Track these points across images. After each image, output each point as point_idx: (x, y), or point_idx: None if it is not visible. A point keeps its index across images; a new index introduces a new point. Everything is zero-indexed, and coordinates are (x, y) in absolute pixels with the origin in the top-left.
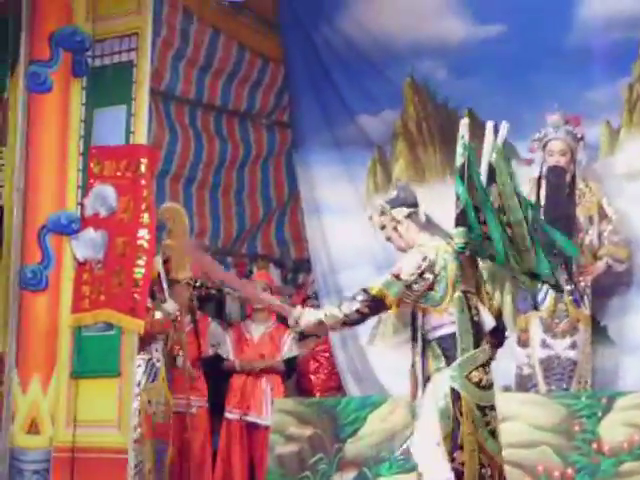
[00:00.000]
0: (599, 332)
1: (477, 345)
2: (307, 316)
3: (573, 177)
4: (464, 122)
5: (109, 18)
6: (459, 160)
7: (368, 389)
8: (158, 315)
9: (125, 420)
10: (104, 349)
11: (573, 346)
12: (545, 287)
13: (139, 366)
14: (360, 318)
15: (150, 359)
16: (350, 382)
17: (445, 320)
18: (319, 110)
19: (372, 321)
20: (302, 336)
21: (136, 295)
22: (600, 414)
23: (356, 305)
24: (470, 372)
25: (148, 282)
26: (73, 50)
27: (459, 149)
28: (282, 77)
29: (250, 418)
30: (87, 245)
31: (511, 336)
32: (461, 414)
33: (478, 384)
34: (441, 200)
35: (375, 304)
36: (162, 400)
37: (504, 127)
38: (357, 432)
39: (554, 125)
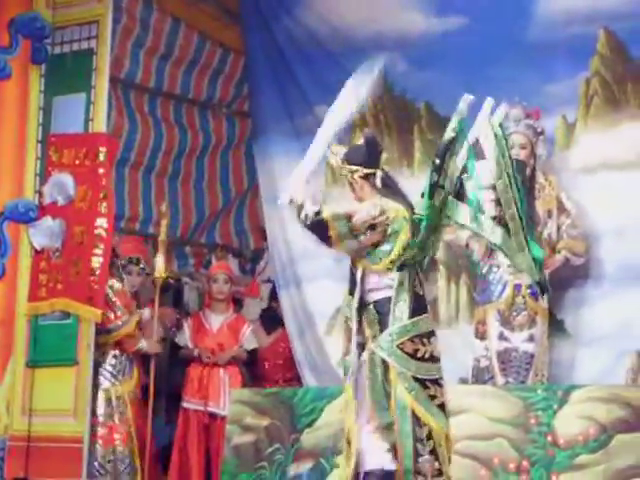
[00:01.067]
0: (556, 325)
1: (413, 316)
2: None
3: (533, 171)
4: (465, 98)
5: (69, 5)
6: (448, 134)
7: (325, 380)
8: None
9: (81, 409)
10: (61, 338)
11: (530, 339)
12: (504, 279)
13: (114, 357)
14: (305, 225)
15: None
16: (307, 373)
17: (382, 284)
18: (279, 100)
19: (330, 312)
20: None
21: (93, 284)
22: (556, 407)
23: (309, 214)
24: (402, 342)
25: (105, 271)
26: (33, 37)
27: (453, 123)
28: (242, 67)
29: (208, 408)
30: (45, 233)
31: (468, 328)
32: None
33: (413, 355)
34: None
35: (319, 226)
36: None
37: (501, 109)
38: (314, 423)
39: (515, 119)
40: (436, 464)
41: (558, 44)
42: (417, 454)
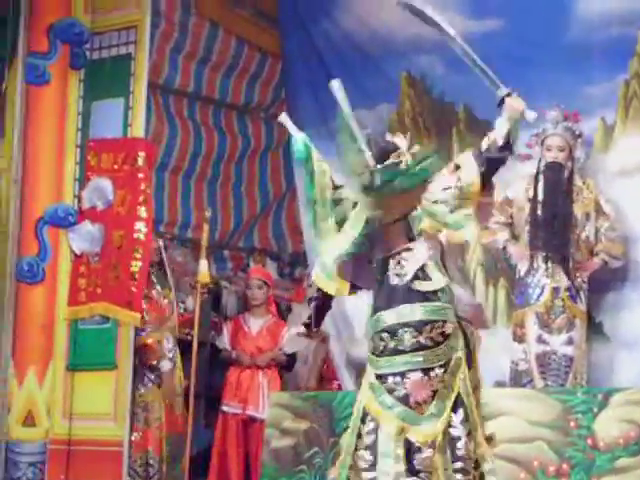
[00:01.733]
0: (595, 328)
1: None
2: None
3: (571, 173)
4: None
5: (107, 11)
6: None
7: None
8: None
9: (121, 413)
10: (100, 342)
11: (569, 342)
12: (542, 282)
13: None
14: None
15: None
16: (346, 376)
17: None
18: (316, 104)
19: (367, 314)
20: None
21: (133, 288)
22: (596, 410)
23: None
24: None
25: (145, 275)
26: (71, 42)
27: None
28: (280, 71)
29: (247, 412)
30: (84, 238)
31: (506, 332)
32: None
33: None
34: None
35: None
36: (179, 391)
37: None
38: None
39: (553, 121)
40: None
41: (596, 46)
42: None
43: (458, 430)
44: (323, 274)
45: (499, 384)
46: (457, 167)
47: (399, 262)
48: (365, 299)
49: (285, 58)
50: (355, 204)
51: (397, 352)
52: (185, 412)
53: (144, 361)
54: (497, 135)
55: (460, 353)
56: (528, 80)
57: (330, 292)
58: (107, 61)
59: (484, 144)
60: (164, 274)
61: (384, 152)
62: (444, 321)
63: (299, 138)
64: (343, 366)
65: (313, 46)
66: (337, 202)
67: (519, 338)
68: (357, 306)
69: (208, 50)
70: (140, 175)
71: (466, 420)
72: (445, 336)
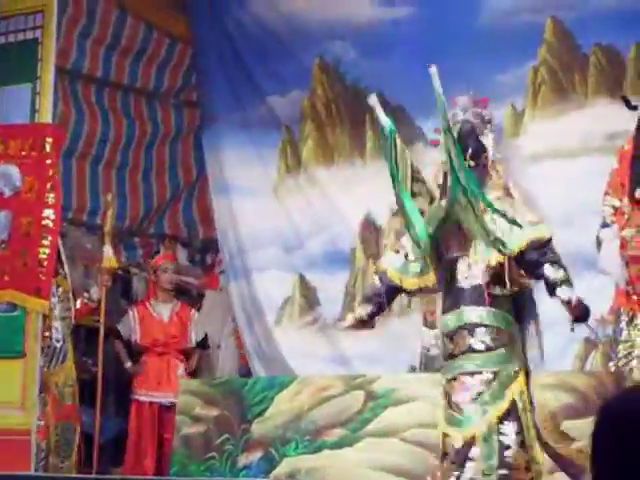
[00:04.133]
0: None
1: None
2: None
3: None
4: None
5: None
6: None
7: (275, 370)
8: (78, 304)
9: (29, 401)
10: (8, 330)
11: None
12: None
13: (41, 348)
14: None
15: (50, 343)
16: (257, 363)
17: None
18: (228, 90)
19: (279, 302)
20: None
21: (41, 275)
22: None
23: None
24: None
25: (53, 262)
26: None
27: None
28: (190, 56)
29: (160, 399)
30: None
31: (418, 317)
32: None
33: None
34: (348, 181)
35: None
36: (70, 381)
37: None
38: (264, 413)
39: (462, 107)
40: None
41: (506, 33)
42: None
43: (509, 439)
44: (396, 269)
45: (412, 369)
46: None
47: (469, 265)
48: (274, 287)
49: (195, 43)
50: (432, 200)
51: (452, 356)
52: (77, 402)
53: None
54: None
55: (518, 368)
56: (439, 66)
57: (406, 286)
58: (14, 46)
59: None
60: (60, 262)
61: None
62: (499, 328)
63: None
64: (254, 352)
65: (224, 31)
66: (414, 194)
67: (430, 324)
68: (268, 292)
69: (116, 35)
70: (48, 161)
71: (519, 432)
72: (498, 342)
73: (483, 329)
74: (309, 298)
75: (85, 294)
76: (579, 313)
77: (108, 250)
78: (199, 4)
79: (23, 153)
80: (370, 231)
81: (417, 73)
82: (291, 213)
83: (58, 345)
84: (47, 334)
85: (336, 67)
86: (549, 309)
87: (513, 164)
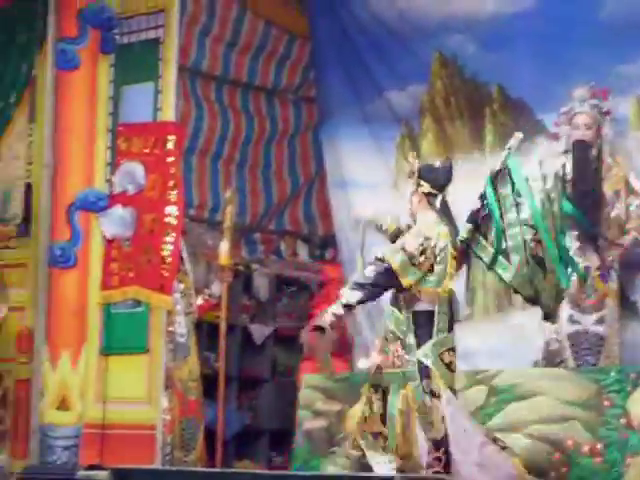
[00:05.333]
0: (628, 307)
1: (450, 328)
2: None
3: (599, 151)
4: (517, 135)
5: None
6: (497, 165)
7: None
8: (199, 301)
9: (154, 396)
10: (133, 326)
11: (601, 321)
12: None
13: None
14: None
15: (174, 338)
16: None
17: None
18: (346, 86)
19: None
20: None
21: (164, 272)
22: (629, 389)
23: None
24: (442, 353)
25: (176, 259)
26: (101, 27)
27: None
28: (309, 53)
29: None
30: (115, 222)
31: (539, 311)
32: (433, 394)
33: (449, 366)
34: (467, 176)
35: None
36: (194, 376)
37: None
38: None
39: (580, 99)
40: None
41: (631, 24)
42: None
43: None
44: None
45: (535, 364)
46: None
47: None
48: None
49: (314, 40)
50: None
51: None
52: (201, 397)
53: None
54: None
55: None
56: (561, 58)
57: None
58: (136, 45)
59: None
60: (181, 259)
61: None
62: None
63: None
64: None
65: (343, 27)
66: None
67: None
68: None
69: (236, 33)
70: (170, 159)
71: None
72: None
73: None
74: None
75: (206, 290)
76: None
77: (224, 246)
78: (317, 0)
79: (146, 151)
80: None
81: (537, 65)
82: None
83: (182, 340)
84: (171, 329)
85: (455, 61)
86: None
87: (637, 157)
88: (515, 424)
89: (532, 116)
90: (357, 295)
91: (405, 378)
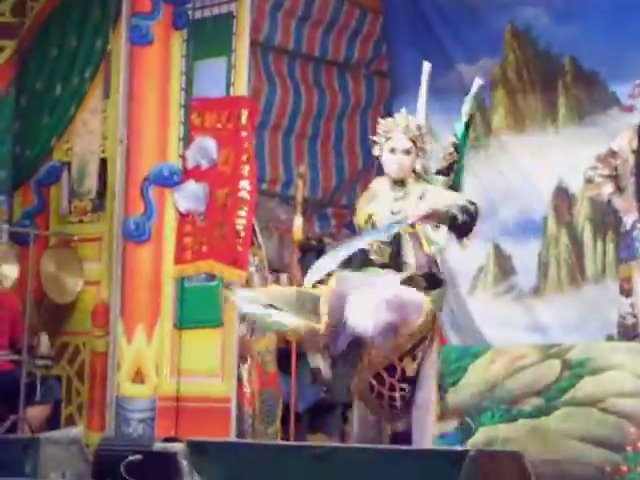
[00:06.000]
0: None
1: None
2: None
3: None
4: (477, 81)
5: None
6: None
7: (468, 339)
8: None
9: (228, 370)
10: (206, 300)
11: None
12: None
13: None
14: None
15: None
16: (450, 332)
17: None
18: (418, 59)
19: (472, 271)
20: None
21: (238, 246)
22: None
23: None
24: None
25: (250, 233)
26: (174, 2)
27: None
28: (380, 27)
29: None
30: (189, 197)
31: (614, 285)
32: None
33: None
34: (541, 148)
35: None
36: (271, 349)
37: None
38: (459, 382)
39: None
40: None
41: None
42: None
43: None
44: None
45: (609, 338)
46: None
47: None
48: (467, 256)
49: (385, 14)
50: None
51: None
52: (278, 371)
53: None
54: None
55: None
56: (635, 30)
57: None
58: (209, 20)
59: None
60: (254, 233)
61: None
62: None
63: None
64: (447, 322)
65: (414, 1)
66: None
67: (626, 292)
68: (462, 261)
69: (307, 7)
70: (243, 134)
71: None
72: None
73: None
74: (503, 267)
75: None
76: None
77: (298, 221)
78: None
79: (219, 126)
80: (562, 199)
81: (611, 38)
82: (482, 181)
83: None
84: None
85: (528, 33)
86: None
87: None
88: (589, 398)
89: (605, 88)
90: None
91: None
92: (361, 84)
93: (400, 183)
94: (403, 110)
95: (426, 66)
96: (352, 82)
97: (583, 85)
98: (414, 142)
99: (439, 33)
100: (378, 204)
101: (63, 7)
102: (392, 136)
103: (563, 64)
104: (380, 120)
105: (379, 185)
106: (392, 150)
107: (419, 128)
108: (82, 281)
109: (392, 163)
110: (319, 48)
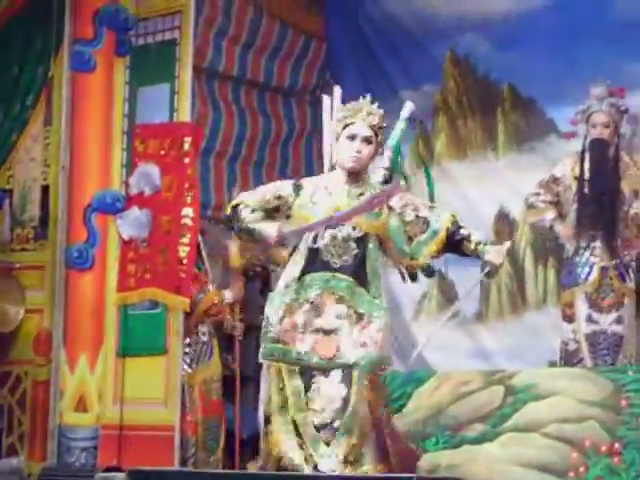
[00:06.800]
0: None
1: None
2: None
3: (617, 150)
4: (409, 104)
5: None
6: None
7: (412, 365)
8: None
9: (172, 397)
10: (150, 327)
11: (619, 321)
12: (590, 261)
13: (189, 345)
14: None
15: (198, 340)
16: (394, 358)
17: None
18: (362, 86)
19: (416, 296)
20: None
21: (181, 273)
22: None
23: None
24: None
25: (193, 260)
26: (117, 29)
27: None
28: (325, 53)
29: None
30: (132, 224)
31: (556, 311)
32: None
33: None
34: (481, 175)
35: None
36: (216, 377)
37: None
38: (403, 408)
39: (598, 97)
40: None
41: None
42: None
43: None
44: None
45: (551, 364)
46: None
47: None
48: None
49: (329, 40)
50: None
51: None
52: (222, 399)
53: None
54: None
55: None
56: (575, 56)
57: None
58: (152, 47)
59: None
60: (201, 258)
61: None
62: None
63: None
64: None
65: (357, 28)
66: None
67: (568, 318)
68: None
69: (252, 34)
70: (187, 160)
71: None
72: None
73: None
74: (447, 293)
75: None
76: None
77: (233, 247)
78: (332, 1)
79: (162, 152)
80: (503, 224)
81: (550, 65)
82: None
83: (205, 339)
84: (195, 330)
85: (467, 60)
86: None
87: None
88: (532, 424)
89: (543, 115)
90: None
91: None
92: (306, 110)
93: (354, 177)
94: (368, 96)
95: (408, 105)
96: (297, 108)
97: (521, 112)
98: (375, 133)
99: (382, 59)
100: (328, 202)
101: (5, 34)
102: (353, 122)
103: (502, 91)
104: (340, 105)
105: (329, 181)
106: (351, 137)
107: (382, 119)
108: (24, 309)
109: (350, 151)
110: (264, 74)
